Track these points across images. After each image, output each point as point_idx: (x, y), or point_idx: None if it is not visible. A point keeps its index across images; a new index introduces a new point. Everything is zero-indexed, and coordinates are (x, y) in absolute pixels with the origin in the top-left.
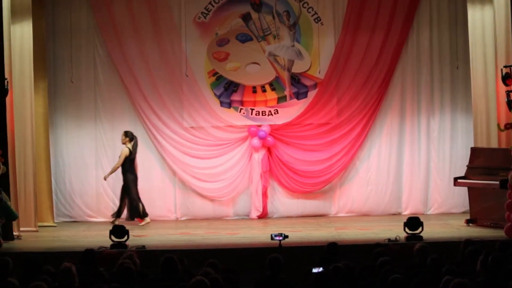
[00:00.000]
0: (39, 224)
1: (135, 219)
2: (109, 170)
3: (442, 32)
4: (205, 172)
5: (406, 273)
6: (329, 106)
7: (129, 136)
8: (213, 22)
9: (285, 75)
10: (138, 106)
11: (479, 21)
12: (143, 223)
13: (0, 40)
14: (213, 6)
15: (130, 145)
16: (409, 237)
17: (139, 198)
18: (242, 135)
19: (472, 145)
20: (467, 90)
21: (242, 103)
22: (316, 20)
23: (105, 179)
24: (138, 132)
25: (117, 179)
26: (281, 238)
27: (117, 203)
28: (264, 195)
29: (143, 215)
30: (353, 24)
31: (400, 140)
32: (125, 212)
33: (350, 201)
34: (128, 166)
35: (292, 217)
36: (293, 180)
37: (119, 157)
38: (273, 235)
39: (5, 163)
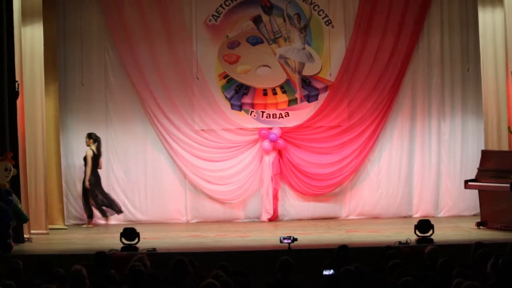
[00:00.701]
0: (50, 226)
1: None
2: (120, 173)
3: (453, 35)
4: (215, 175)
5: (417, 275)
6: (340, 108)
7: (93, 138)
8: (224, 25)
9: (296, 78)
10: (148, 108)
11: (490, 24)
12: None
13: (11, 43)
14: (224, 9)
15: (94, 147)
16: (420, 240)
17: (100, 198)
18: (253, 138)
19: (483, 148)
20: (477, 92)
21: (252, 105)
22: (327, 23)
23: (88, 186)
24: (149, 135)
25: (128, 181)
26: (289, 241)
27: (128, 205)
28: (275, 197)
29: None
30: (364, 27)
31: (410, 143)
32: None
33: (360, 203)
34: (92, 168)
35: (303, 220)
36: (304, 182)
37: (85, 160)
38: (281, 238)
39: (16, 166)
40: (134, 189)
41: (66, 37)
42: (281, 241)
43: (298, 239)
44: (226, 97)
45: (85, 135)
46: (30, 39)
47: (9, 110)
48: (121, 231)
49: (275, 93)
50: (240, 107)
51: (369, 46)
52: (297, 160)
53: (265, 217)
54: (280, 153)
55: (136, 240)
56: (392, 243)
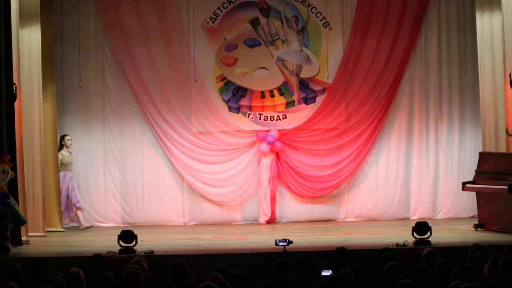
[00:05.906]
0: (47, 229)
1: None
2: (118, 175)
3: (451, 37)
4: (213, 177)
5: (414, 277)
6: (338, 111)
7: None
8: (222, 27)
9: (293, 80)
10: (146, 110)
11: (488, 26)
12: None
13: (8, 45)
14: (221, 11)
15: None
16: (418, 242)
17: None
18: (251, 140)
19: (481, 150)
20: (475, 94)
21: (250, 108)
22: (325, 25)
23: None
24: (146, 137)
25: (125, 183)
26: (285, 243)
27: (125, 207)
28: (273, 200)
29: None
30: (362, 29)
31: (408, 145)
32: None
33: (358, 206)
34: None
35: (300, 222)
36: (302, 185)
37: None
38: (277, 241)
39: (14, 168)
40: (132, 191)
41: (64, 39)
42: (276, 244)
43: (294, 242)
44: (223, 99)
45: (82, 137)
46: (27, 41)
47: (6, 112)
48: (119, 233)
49: (272, 96)
50: (237, 110)
51: (366, 48)
52: (294, 162)
53: (262, 219)
54: (277, 155)
55: (134, 242)
56: (389, 245)
